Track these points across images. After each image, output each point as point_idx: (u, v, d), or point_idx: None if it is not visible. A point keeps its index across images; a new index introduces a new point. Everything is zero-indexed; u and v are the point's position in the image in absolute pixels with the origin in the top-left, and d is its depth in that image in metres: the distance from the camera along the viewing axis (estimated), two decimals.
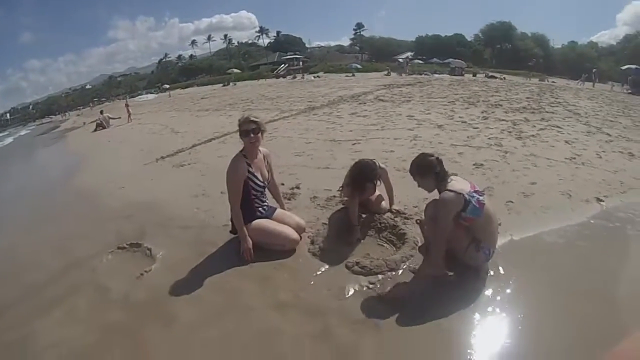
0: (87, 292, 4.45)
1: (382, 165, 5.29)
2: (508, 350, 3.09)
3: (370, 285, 3.92)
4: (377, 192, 5.46)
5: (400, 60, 59.07)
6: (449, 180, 3.85)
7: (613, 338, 3.13)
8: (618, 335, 3.15)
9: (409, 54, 78.53)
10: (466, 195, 3.68)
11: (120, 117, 24.71)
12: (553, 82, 38.85)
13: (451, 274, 3.92)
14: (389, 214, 5.27)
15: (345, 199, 5.45)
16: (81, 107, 73.93)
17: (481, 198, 3.77)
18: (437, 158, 3.97)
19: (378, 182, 5.21)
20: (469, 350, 3.10)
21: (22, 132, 50.30)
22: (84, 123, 31.56)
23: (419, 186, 4.07)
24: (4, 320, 4.20)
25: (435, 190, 3.94)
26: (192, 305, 3.93)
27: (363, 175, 4.96)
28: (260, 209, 4.85)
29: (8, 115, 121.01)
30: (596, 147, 8.62)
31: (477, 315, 3.45)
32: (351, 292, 3.86)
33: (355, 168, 5.10)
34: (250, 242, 4.49)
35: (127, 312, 3.95)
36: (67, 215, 7.55)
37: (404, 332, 3.30)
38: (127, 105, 27.12)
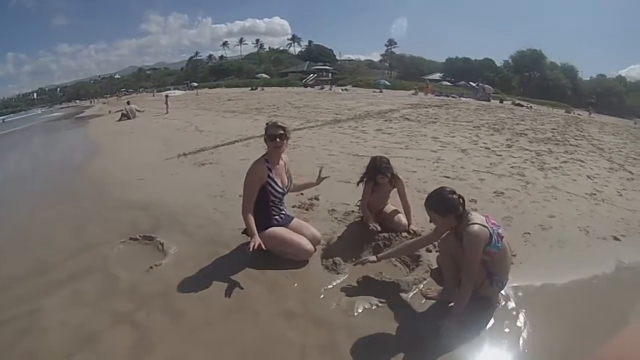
0: (97, 277, 4.50)
1: (401, 177, 5.45)
2: None
3: (380, 304, 3.89)
4: (393, 207, 5.56)
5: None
6: (469, 214, 3.71)
7: None
8: None
9: (438, 74, 78.85)
10: (489, 229, 3.61)
11: (144, 110, 25.16)
12: (579, 114, 38.52)
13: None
14: (405, 234, 5.24)
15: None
16: (108, 96, 74.94)
17: (500, 231, 3.71)
18: (460, 196, 3.74)
19: (390, 182, 5.37)
20: None
21: (55, 113, 51.25)
22: (110, 111, 31.98)
23: (430, 221, 3.92)
24: (12, 293, 4.28)
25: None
26: (199, 304, 3.95)
27: (375, 167, 5.22)
28: (277, 216, 4.86)
29: (35, 95, 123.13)
30: (617, 184, 8.53)
31: (486, 346, 3.41)
32: (360, 309, 3.82)
33: (369, 162, 5.38)
34: (258, 238, 4.35)
35: (134, 303, 3.97)
36: (83, 199, 7.66)
37: (410, 355, 3.25)
38: (166, 97, 29.50)
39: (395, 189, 5.46)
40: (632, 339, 0.86)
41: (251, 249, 4.17)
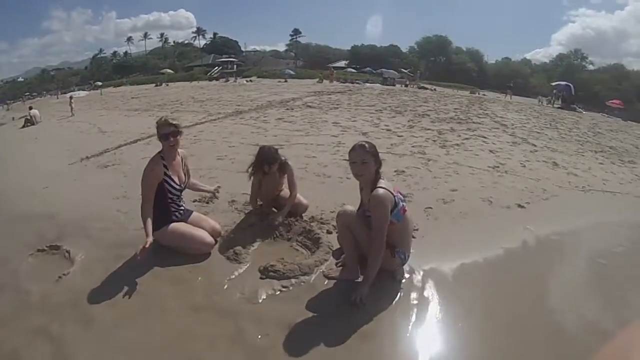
0: (8, 294, 4.32)
1: (291, 164, 5.49)
2: (428, 348, 3.26)
3: (283, 289, 3.99)
4: (289, 191, 5.60)
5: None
6: (382, 178, 3.84)
7: (523, 337, 3.34)
8: (530, 335, 3.37)
9: (343, 62, 79.77)
10: (395, 196, 3.76)
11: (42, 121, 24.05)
12: (484, 94, 40.42)
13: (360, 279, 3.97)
14: (304, 217, 5.44)
15: (260, 203, 5.64)
16: (10, 102, 71.09)
17: (404, 204, 3.90)
18: None
19: (279, 170, 5.41)
20: (388, 351, 3.24)
21: None
22: (13, 118, 30.38)
23: (354, 169, 3.88)
24: None
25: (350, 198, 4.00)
26: (109, 307, 3.91)
27: (261, 157, 5.26)
28: (176, 212, 4.87)
29: None
30: (521, 156, 9.03)
31: (396, 317, 3.59)
32: (264, 296, 3.91)
33: (257, 152, 5.38)
34: (149, 241, 4.31)
35: (48, 316, 3.86)
36: None
37: (320, 335, 3.37)
38: (70, 98, 28.25)
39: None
40: (635, 337, 0.96)
41: (139, 254, 4.21)
